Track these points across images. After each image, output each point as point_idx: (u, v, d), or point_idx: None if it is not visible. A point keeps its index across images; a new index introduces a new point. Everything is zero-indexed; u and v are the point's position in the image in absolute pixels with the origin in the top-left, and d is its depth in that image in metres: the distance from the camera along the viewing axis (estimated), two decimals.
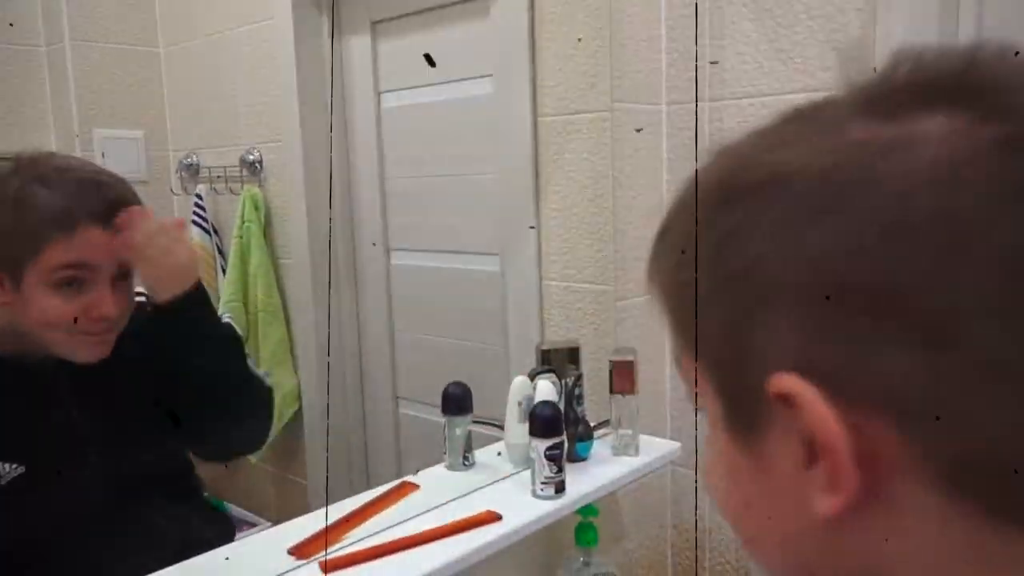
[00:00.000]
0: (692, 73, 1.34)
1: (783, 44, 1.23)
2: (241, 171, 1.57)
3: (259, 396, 1.07)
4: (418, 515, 1.00)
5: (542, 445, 1.05)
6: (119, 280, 0.89)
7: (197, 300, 0.94)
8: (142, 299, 1.01)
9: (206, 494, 1.15)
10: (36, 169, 0.88)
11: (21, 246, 0.84)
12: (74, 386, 0.91)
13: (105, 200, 0.87)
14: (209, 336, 0.98)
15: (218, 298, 1.57)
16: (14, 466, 0.84)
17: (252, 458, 1.57)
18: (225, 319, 1.08)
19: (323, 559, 0.89)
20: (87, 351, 0.88)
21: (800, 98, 1.25)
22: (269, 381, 1.12)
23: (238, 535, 1.12)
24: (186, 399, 0.93)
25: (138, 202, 0.92)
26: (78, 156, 0.99)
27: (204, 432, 1.00)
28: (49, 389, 0.91)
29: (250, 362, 1.07)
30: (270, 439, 1.51)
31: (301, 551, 0.90)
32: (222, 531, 1.11)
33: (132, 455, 0.93)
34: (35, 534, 0.86)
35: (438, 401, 1.18)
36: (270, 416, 1.12)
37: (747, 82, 1.28)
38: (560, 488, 1.07)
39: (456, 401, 1.15)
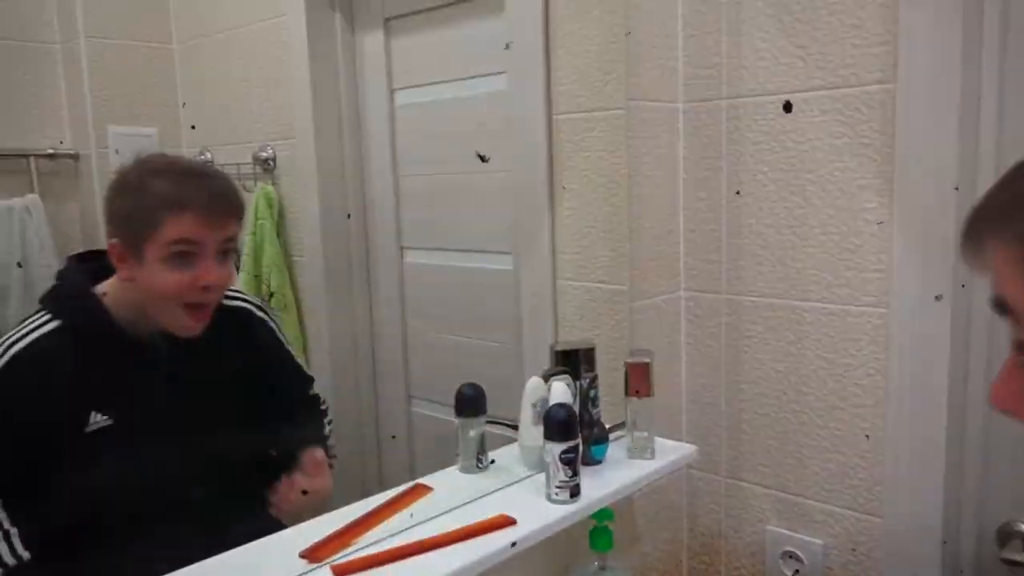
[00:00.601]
0: (709, 71, 1.32)
1: (802, 40, 1.21)
2: (255, 168, 1.57)
3: None
4: (431, 519, 0.99)
5: (557, 448, 1.04)
6: (220, 256, 1.02)
7: None
8: (248, 306, 1.20)
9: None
10: (150, 164, 1.04)
11: (142, 226, 0.98)
12: (172, 363, 1.05)
13: (210, 187, 1.03)
14: None
15: None
16: (104, 417, 0.97)
17: None
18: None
19: (335, 563, 0.88)
20: (188, 322, 1.01)
21: (820, 96, 1.23)
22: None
23: None
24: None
25: (236, 193, 1.07)
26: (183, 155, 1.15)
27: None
28: (150, 360, 1.04)
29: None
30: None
31: (313, 554, 0.89)
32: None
33: (209, 436, 1.04)
34: (105, 483, 0.95)
35: (451, 400, 1.16)
36: None
37: (765, 79, 1.26)
38: (575, 492, 1.05)
39: (470, 403, 1.14)
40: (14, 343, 0.97)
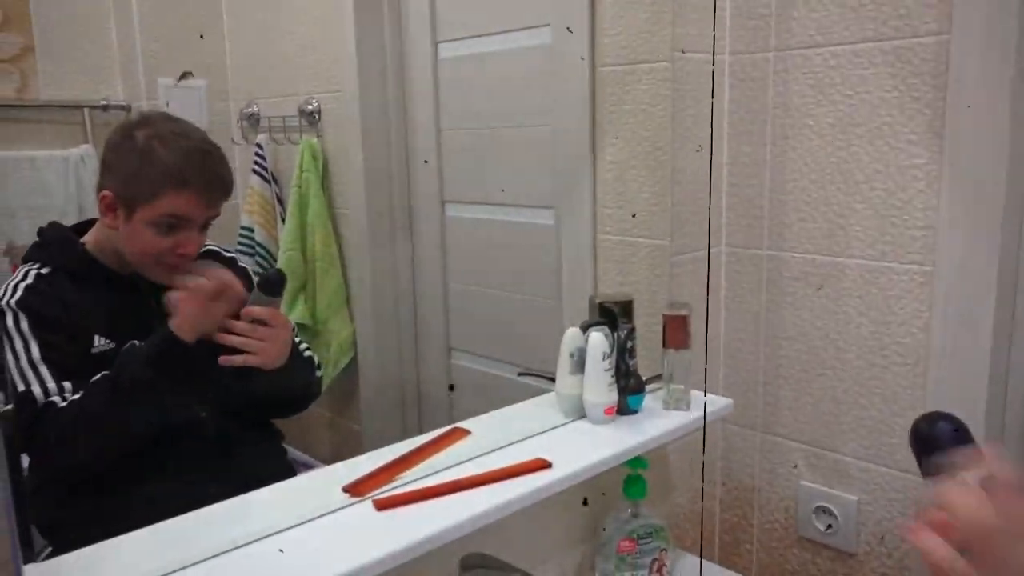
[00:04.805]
0: (757, 22, 1.30)
1: None
2: (300, 121, 1.59)
3: (314, 388, 1.27)
4: (469, 459, 1.02)
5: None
6: (202, 228, 1.09)
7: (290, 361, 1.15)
8: (231, 255, 1.24)
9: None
10: (157, 128, 1.07)
11: (141, 190, 1.03)
12: (157, 299, 1.08)
13: (211, 168, 1.09)
14: (294, 374, 1.18)
15: (277, 247, 1.60)
16: (106, 340, 1.04)
17: None
18: (303, 349, 1.25)
19: (376, 497, 0.91)
20: (158, 276, 1.08)
21: (871, 47, 1.20)
22: (318, 360, 1.29)
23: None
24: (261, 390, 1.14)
25: (230, 173, 1.12)
26: (185, 120, 1.15)
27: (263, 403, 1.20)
28: (137, 293, 1.09)
29: (309, 353, 1.26)
30: (327, 384, 1.55)
31: (355, 489, 0.92)
32: (278, 468, 1.21)
33: (204, 361, 1.08)
34: None
35: (490, 353, 1.18)
36: (319, 390, 1.30)
37: (815, 30, 1.23)
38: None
39: None
40: (19, 282, 1.03)
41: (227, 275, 1.09)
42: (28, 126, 1.32)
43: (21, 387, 0.97)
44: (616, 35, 1.28)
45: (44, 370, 0.98)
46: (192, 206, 1.05)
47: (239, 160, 1.58)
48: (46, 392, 0.98)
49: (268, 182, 1.60)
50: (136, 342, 1.04)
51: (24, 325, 1.00)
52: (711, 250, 1.39)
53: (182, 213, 1.05)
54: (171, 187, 1.03)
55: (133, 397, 0.99)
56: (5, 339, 0.98)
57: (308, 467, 1.31)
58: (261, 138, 1.58)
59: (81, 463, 0.99)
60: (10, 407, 0.85)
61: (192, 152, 1.08)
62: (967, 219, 1.12)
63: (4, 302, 1.01)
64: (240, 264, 1.24)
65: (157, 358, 1.01)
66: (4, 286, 1.03)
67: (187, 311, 1.04)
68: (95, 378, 1.00)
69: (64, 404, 0.98)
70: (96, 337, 1.03)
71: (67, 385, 0.99)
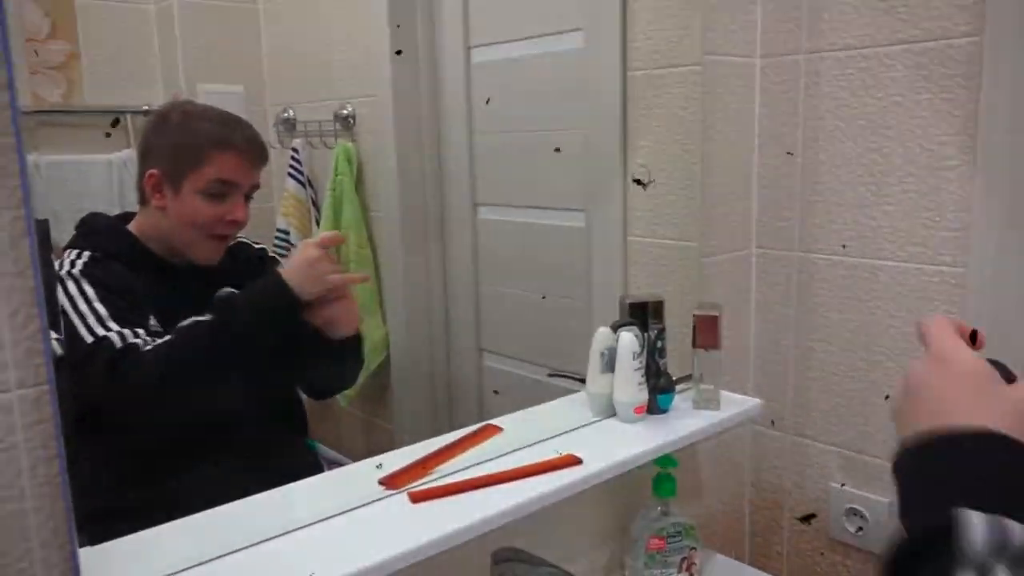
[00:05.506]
0: (788, 24, 1.31)
1: None
2: (335, 126, 1.62)
3: (360, 360, 1.31)
4: (502, 455, 1.04)
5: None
6: (246, 198, 1.13)
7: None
8: (261, 246, 1.28)
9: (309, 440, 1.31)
10: (186, 107, 1.16)
11: (187, 159, 1.08)
12: (199, 287, 1.11)
13: (250, 134, 1.14)
14: (352, 351, 1.23)
15: None
16: (156, 322, 1.05)
17: (342, 402, 1.64)
18: None
19: (411, 490, 0.93)
20: (208, 251, 1.12)
21: (902, 50, 1.21)
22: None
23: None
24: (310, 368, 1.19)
25: (262, 138, 1.16)
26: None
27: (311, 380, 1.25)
28: (181, 282, 1.12)
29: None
30: (360, 384, 1.57)
31: (391, 482, 0.94)
32: (308, 464, 1.23)
33: None
34: None
35: (521, 354, 1.20)
36: (362, 360, 1.33)
37: (847, 33, 1.24)
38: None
39: None
40: (75, 259, 1.03)
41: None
42: (74, 131, 1.36)
43: (90, 339, 0.96)
44: (647, 39, 1.29)
45: (113, 324, 0.98)
46: (237, 167, 1.10)
47: (275, 164, 1.60)
48: (123, 337, 0.97)
49: (304, 186, 1.63)
50: (232, 290, 1.06)
51: (89, 290, 1.00)
52: (741, 252, 1.40)
53: (228, 176, 1.09)
54: (216, 149, 1.09)
55: (236, 343, 1.02)
56: (67, 302, 0.97)
57: (340, 465, 1.34)
58: (297, 142, 1.61)
59: (164, 408, 0.98)
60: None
61: (227, 118, 1.14)
62: (999, 221, 1.11)
63: (65, 272, 1.01)
64: (270, 254, 1.28)
65: (265, 305, 1.05)
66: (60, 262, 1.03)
67: (295, 262, 1.06)
68: (184, 323, 1.01)
69: (149, 347, 0.97)
70: (151, 316, 1.04)
71: (141, 332, 0.98)
